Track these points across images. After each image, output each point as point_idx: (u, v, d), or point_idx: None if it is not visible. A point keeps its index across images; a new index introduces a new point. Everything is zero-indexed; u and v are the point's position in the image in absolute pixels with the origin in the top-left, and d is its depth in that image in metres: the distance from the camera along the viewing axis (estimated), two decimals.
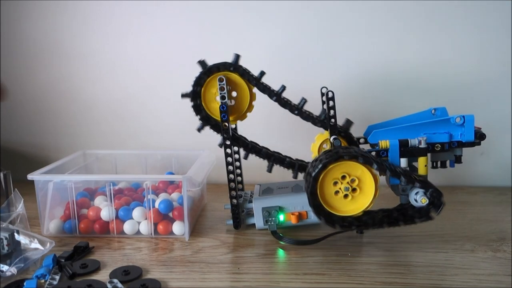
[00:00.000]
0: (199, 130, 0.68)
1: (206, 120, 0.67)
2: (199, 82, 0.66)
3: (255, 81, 0.66)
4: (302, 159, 0.71)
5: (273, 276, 0.56)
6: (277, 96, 0.67)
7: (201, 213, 0.78)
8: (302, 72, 0.91)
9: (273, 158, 0.69)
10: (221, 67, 0.66)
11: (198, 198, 0.77)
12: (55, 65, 0.95)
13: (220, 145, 0.67)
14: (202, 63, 0.66)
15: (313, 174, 0.57)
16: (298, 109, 0.67)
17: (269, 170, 0.69)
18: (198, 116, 0.67)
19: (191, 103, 0.66)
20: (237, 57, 0.66)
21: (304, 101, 0.67)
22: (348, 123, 0.69)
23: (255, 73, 0.67)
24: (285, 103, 0.67)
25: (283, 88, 0.67)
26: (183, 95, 0.66)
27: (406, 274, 0.55)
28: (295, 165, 0.70)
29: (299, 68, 0.91)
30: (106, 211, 0.67)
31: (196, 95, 0.66)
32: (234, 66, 0.66)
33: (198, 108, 0.67)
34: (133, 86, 0.95)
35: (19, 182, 0.70)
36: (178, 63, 0.92)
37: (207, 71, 0.66)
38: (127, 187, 0.76)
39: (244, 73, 0.66)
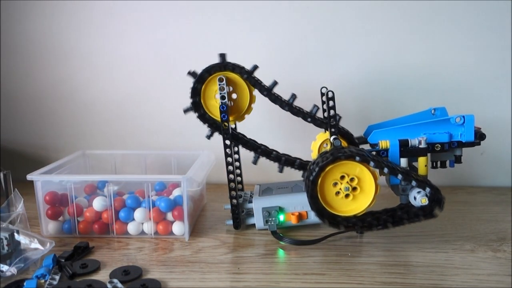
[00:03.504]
0: (208, 137, 0.68)
1: (215, 126, 0.67)
2: (196, 92, 0.66)
3: (246, 74, 0.66)
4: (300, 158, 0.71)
5: (273, 276, 0.56)
6: (267, 91, 0.66)
7: (201, 213, 0.78)
8: (302, 72, 0.91)
9: (260, 150, 0.69)
10: (212, 70, 0.65)
11: (198, 198, 0.77)
12: (55, 65, 0.95)
13: (208, 137, 0.67)
14: (192, 74, 0.66)
15: (311, 178, 0.57)
16: (288, 105, 0.67)
17: (255, 162, 0.69)
18: (206, 124, 0.67)
19: (196, 114, 0.66)
20: (255, 67, 0.66)
21: (294, 97, 0.67)
22: (362, 139, 0.69)
23: (258, 74, 0.67)
24: (275, 99, 0.67)
25: (275, 83, 0.66)
26: (186, 111, 0.66)
27: (406, 274, 0.55)
28: (281, 159, 0.69)
29: (299, 68, 0.91)
30: (106, 213, 0.67)
31: (197, 106, 0.66)
32: (224, 65, 0.65)
33: (204, 117, 0.67)
34: (133, 86, 0.95)
35: (19, 182, 0.70)
36: (178, 63, 0.92)
37: (199, 78, 0.65)
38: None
39: (235, 67, 0.65)
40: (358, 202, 0.59)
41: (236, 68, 0.66)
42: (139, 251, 0.63)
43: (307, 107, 0.68)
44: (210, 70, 0.65)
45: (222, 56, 0.66)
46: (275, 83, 0.66)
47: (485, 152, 0.92)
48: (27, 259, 0.58)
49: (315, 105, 0.67)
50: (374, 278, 0.54)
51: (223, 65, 0.65)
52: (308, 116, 0.67)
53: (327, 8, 0.89)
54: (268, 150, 0.69)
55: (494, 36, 0.88)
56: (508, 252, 0.61)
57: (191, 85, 0.66)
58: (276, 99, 0.67)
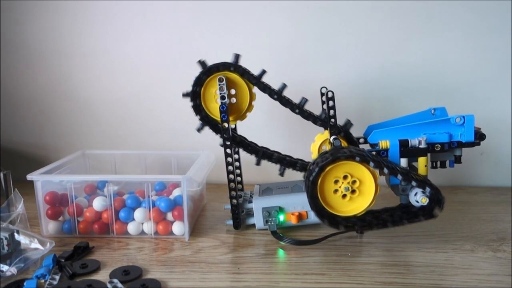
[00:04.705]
0: (198, 130, 0.68)
1: (206, 120, 0.67)
2: (199, 82, 0.66)
3: (255, 80, 0.66)
4: (301, 158, 0.71)
5: (273, 276, 0.56)
6: (278, 95, 0.67)
7: (201, 213, 0.78)
8: (302, 72, 0.91)
9: (261, 153, 0.69)
10: (221, 67, 0.66)
11: (198, 198, 0.77)
12: (55, 65, 0.95)
13: (222, 145, 0.67)
14: (202, 63, 0.66)
15: (311, 178, 0.57)
16: (299, 108, 0.67)
17: (276, 169, 0.69)
18: (198, 117, 0.67)
19: (191, 103, 0.67)
20: (237, 56, 0.66)
21: (304, 100, 0.67)
22: (349, 124, 0.69)
23: (256, 73, 0.67)
24: (286, 102, 0.67)
25: (284, 86, 0.67)
26: (184, 95, 0.66)
27: (406, 274, 0.55)
28: (284, 161, 0.69)
29: (299, 68, 0.91)
30: (106, 213, 0.67)
31: (195, 95, 0.66)
32: (234, 66, 0.66)
33: (198, 109, 0.67)
34: (133, 86, 0.95)
35: (19, 182, 0.70)
36: (178, 63, 0.93)
37: (207, 71, 0.66)
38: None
39: (244, 73, 0.66)
40: (358, 202, 0.59)
41: (245, 74, 0.66)
42: (139, 251, 0.63)
43: (308, 107, 0.68)
44: (219, 67, 0.66)
45: (237, 56, 0.66)
46: (284, 86, 0.67)
47: (485, 152, 0.92)
48: (27, 259, 0.58)
49: (303, 97, 0.67)
50: (374, 278, 0.54)
51: (234, 65, 0.65)
52: (318, 120, 0.67)
53: (327, 8, 0.89)
54: (269, 152, 0.69)
55: (494, 36, 0.88)
56: (508, 252, 0.61)
57: (193, 84, 0.66)
58: (287, 103, 0.67)
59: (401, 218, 0.60)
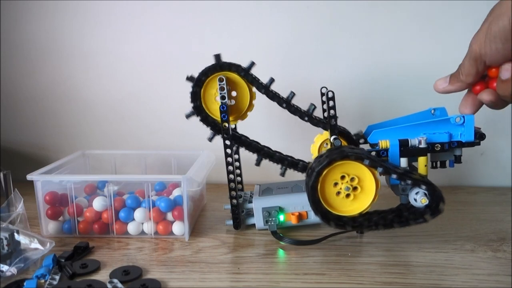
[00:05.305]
0: (187, 116, 0.67)
1: (199, 110, 0.67)
2: (207, 73, 0.65)
3: (264, 88, 0.65)
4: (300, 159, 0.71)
5: (273, 276, 0.56)
6: (286, 103, 0.66)
7: (201, 213, 0.78)
8: (302, 72, 0.91)
9: (262, 152, 0.69)
10: (233, 67, 0.65)
11: (198, 198, 0.77)
12: (55, 65, 0.95)
13: (209, 139, 0.67)
14: (217, 56, 0.65)
15: (310, 183, 0.57)
16: (308, 116, 0.66)
17: (257, 164, 0.69)
18: (192, 104, 0.66)
19: (191, 90, 0.66)
20: (252, 64, 0.65)
21: (313, 107, 0.66)
22: (360, 133, 0.69)
23: (257, 74, 0.67)
24: (295, 110, 0.66)
25: (293, 94, 0.66)
26: (188, 78, 0.65)
27: (406, 274, 0.55)
28: (284, 161, 0.69)
29: (299, 68, 0.91)
30: (106, 213, 0.67)
31: (198, 84, 0.65)
32: (245, 72, 0.65)
33: (196, 96, 0.66)
34: (133, 86, 0.95)
35: (19, 182, 0.70)
36: (178, 63, 0.93)
37: (219, 66, 0.65)
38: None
39: (254, 81, 0.65)
40: (361, 200, 0.59)
41: (255, 82, 0.65)
42: (139, 251, 0.63)
43: (307, 107, 0.68)
44: (231, 67, 0.65)
45: (251, 64, 0.65)
46: (272, 80, 0.66)
47: (485, 152, 0.92)
48: (27, 259, 0.58)
49: (311, 104, 0.67)
50: (374, 278, 0.54)
51: (245, 71, 0.65)
52: (305, 115, 0.67)
53: (327, 8, 0.89)
54: (271, 151, 0.69)
55: None
56: (508, 252, 0.61)
57: (190, 88, 0.66)
58: (274, 97, 0.66)
59: (407, 218, 0.60)
